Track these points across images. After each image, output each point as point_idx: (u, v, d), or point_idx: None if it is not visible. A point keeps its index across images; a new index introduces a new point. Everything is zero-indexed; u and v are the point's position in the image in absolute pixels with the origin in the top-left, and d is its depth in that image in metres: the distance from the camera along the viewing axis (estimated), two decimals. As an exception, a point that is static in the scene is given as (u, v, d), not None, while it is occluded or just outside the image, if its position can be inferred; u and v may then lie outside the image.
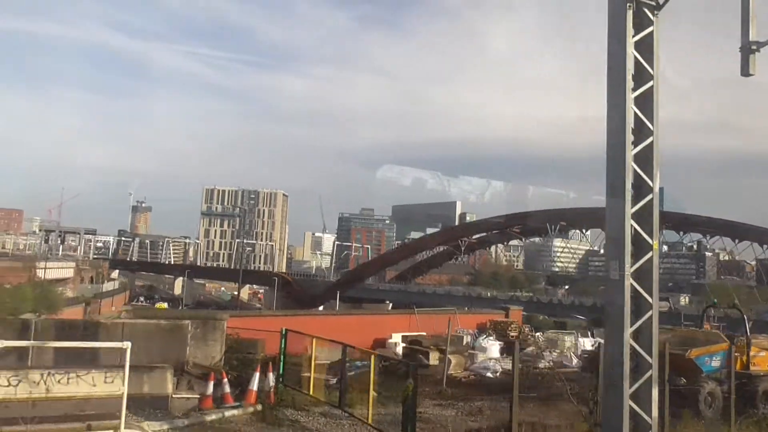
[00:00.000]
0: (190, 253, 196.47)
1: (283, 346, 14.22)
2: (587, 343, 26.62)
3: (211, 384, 12.81)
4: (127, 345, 9.64)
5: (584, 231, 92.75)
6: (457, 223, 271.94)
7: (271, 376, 13.45)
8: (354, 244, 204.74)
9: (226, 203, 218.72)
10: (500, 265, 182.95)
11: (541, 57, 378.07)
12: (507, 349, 24.17)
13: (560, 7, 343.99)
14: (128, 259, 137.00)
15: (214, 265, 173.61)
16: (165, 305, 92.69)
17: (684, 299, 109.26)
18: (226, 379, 13.15)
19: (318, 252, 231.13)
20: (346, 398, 12.24)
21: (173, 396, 12.36)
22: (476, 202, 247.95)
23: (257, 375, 13.27)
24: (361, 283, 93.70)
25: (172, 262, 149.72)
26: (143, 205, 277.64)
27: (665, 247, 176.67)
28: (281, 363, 14.08)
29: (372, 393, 11.13)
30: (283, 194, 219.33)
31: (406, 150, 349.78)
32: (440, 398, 15.52)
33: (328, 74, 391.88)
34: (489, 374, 20.24)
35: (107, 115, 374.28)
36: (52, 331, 13.33)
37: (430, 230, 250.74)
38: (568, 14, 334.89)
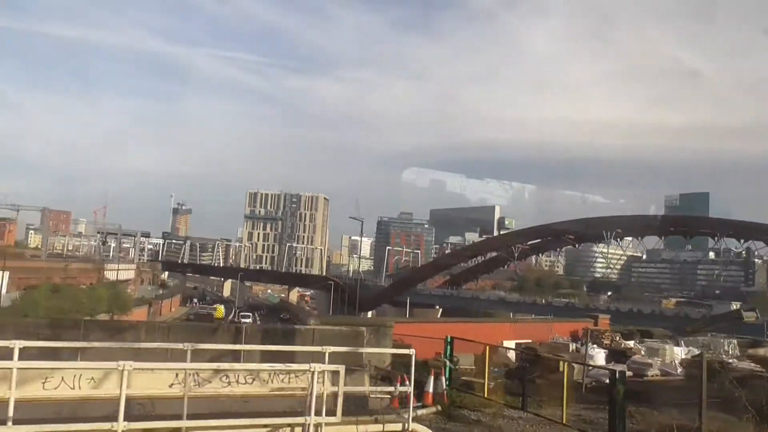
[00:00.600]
0: (232, 256, 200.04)
1: (449, 351, 15.46)
2: (680, 352, 27.44)
3: (397, 385, 14.16)
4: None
5: (640, 239, 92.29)
6: (495, 227, 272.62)
7: (443, 379, 14.74)
8: (394, 248, 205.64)
9: (268, 206, 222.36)
10: (542, 270, 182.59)
11: (576, 59, 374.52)
12: (611, 357, 25.25)
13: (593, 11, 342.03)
14: (179, 261, 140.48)
15: (257, 267, 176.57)
16: (222, 308, 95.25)
17: (734, 307, 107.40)
18: (407, 381, 14.50)
19: (354, 255, 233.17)
20: (527, 400, 13.39)
21: (369, 395, 13.72)
22: (511, 205, 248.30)
23: (432, 378, 14.56)
24: (413, 287, 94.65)
25: (221, 265, 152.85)
26: (183, 207, 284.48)
27: (711, 254, 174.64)
28: (447, 368, 15.35)
29: (565, 395, 12.26)
30: (324, 198, 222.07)
31: (439, 153, 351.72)
32: (586, 402, 16.49)
33: (364, 77, 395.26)
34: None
35: (149, 119, 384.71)
36: (259, 336, 14.87)
37: (469, 235, 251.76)
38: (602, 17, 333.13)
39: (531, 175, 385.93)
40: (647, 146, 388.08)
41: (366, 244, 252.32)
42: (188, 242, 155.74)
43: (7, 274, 58.25)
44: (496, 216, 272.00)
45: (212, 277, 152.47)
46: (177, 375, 10.20)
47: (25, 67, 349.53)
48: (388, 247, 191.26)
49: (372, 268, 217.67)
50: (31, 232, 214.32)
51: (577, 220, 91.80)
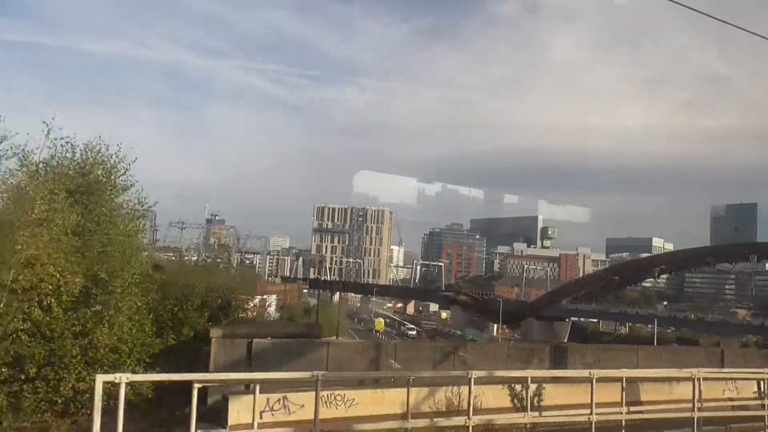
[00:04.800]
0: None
1: None
2: None
3: None
4: None
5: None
6: (538, 237, 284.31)
7: None
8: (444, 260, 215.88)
9: (335, 220, 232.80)
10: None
11: (609, 65, 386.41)
12: None
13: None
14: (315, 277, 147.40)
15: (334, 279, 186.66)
16: (382, 321, 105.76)
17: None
18: None
19: (391, 264, 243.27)
20: None
21: None
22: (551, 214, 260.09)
23: None
24: (558, 303, 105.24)
25: (329, 278, 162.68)
26: (217, 218, 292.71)
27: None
28: None
29: None
30: (390, 212, 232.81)
31: (468, 161, 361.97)
32: None
33: (390, 87, 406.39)
34: None
35: (180, 131, 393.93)
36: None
37: (517, 245, 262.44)
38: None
39: (570, 183, 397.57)
40: (690, 155, 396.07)
41: (400, 254, 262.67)
42: (301, 258, 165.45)
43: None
44: (539, 226, 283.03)
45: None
46: None
47: (56, 81, 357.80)
48: (442, 261, 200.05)
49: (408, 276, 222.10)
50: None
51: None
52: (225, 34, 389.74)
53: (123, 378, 9.59)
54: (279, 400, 13.61)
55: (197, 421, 10.46)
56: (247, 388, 13.62)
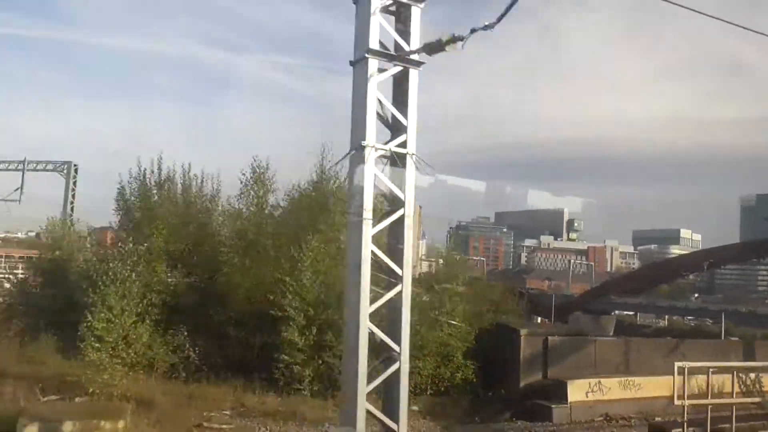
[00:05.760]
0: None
1: None
2: None
3: None
4: None
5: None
6: (564, 230, 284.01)
7: None
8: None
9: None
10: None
11: (622, 54, 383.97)
12: None
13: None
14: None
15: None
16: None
17: None
18: None
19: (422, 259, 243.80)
20: None
21: None
22: (576, 206, 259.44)
23: None
24: (604, 296, 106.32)
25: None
26: None
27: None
28: None
29: None
30: (419, 206, 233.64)
31: (486, 152, 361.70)
32: None
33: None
34: None
35: (199, 124, 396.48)
36: None
37: (544, 238, 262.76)
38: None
39: (593, 175, 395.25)
40: (717, 144, 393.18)
41: (422, 247, 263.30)
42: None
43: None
44: (565, 219, 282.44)
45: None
46: None
47: (78, 76, 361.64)
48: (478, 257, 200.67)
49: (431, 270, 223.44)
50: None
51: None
52: (243, 27, 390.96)
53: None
54: (596, 383, 19.82)
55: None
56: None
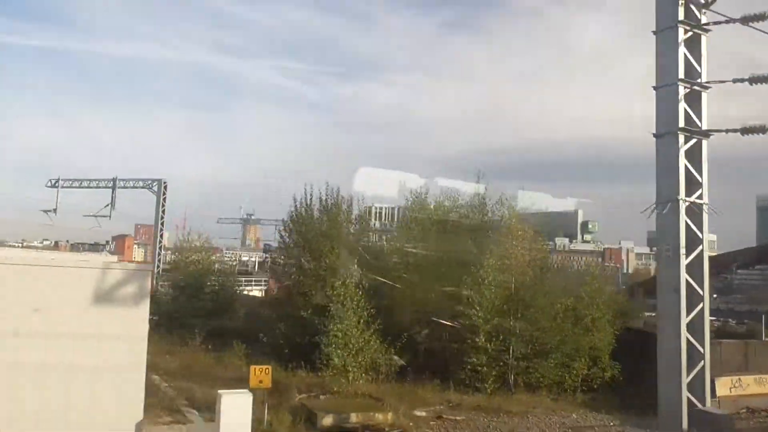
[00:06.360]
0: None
1: None
2: None
3: None
4: None
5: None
6: (578, 231, 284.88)
7: None
8: None
9: (383, 219, 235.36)
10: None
11: (631, 54, 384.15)
12: None
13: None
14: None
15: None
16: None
17: None
18: None
19: None
20: None
21: None
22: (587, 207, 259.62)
23: None
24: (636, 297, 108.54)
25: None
26: (252, 217, 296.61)
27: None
28: None
29: None
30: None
31: (494, 155, 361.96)
32: None
33: (413, 81, 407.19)
34: None
35: (205, 130, 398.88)
36: None
37: (558, 240, 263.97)
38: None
39: (605, 175, 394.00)
40: (732, 142, 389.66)
41: None
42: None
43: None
44: (579, 220, 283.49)
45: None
46: None
47: (84, 84, 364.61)
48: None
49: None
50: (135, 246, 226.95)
51: None
52: (248, 33, 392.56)
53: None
54: (737, 380, 22.57)
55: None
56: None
